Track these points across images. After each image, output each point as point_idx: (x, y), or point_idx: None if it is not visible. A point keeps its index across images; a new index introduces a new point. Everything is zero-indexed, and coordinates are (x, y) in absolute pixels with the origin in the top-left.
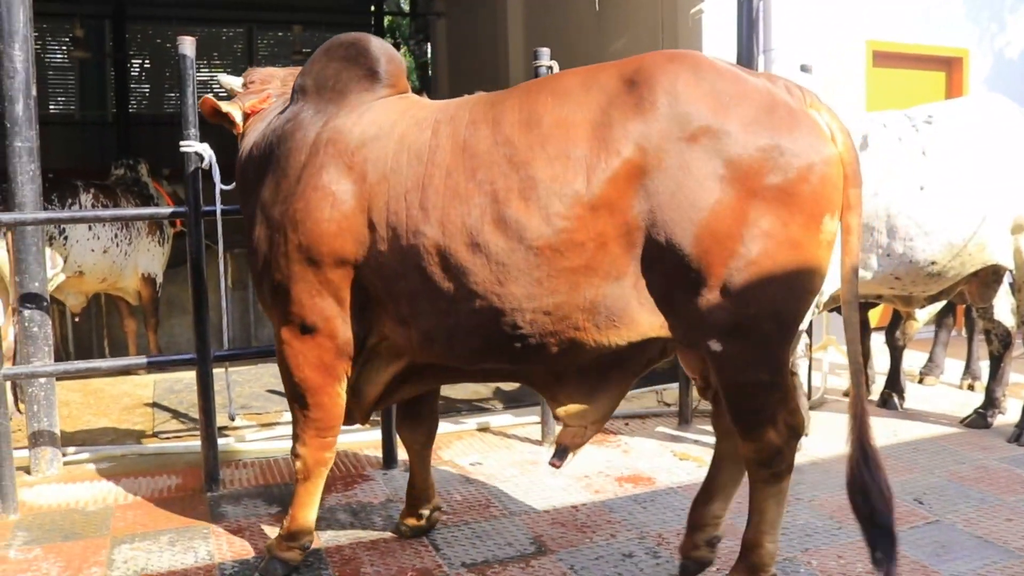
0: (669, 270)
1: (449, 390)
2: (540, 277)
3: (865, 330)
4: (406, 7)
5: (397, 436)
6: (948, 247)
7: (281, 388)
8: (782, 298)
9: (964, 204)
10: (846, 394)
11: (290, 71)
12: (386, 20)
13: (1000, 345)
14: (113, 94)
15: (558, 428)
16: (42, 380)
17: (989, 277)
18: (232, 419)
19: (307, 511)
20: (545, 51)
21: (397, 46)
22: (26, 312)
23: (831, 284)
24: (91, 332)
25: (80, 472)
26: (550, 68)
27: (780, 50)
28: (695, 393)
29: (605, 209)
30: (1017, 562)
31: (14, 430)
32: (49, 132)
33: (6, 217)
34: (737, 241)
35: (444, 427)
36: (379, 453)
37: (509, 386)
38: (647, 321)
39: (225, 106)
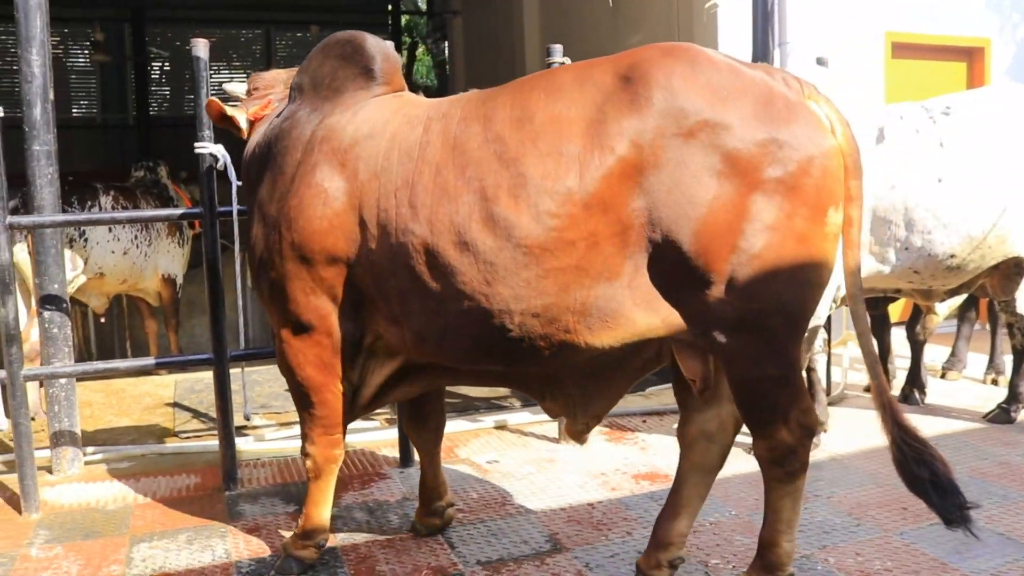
0: (670, 267)
1: (467, 388)
2: (529, 278)
3: (885, 325)
4: (423, 6)
5: None
6: (967, 240)
7: None
8: (789, 291)
9: (984, 196)
10: (867, 389)
11: (292, 73)
12: (403, 19)
13: None
14: (134, 97)
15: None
16: (62, 381)
17: (1011, 270)
18: (247, 419)
19: (321, 509)
20: (558, 48)
21: (415, 45)
22: (46, 313)
23: None
24: (113, 333)
25: (101, 472)
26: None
27: (796, 43)
28: None
29: (598, 207)
30: None
31: (38, 430)
32: (72, 135)
33: (25, 220)
34: (738, 236)
35: (462, 425)
36: (396, 452)
37: None
38: (642, 321)
39: (230, 110)
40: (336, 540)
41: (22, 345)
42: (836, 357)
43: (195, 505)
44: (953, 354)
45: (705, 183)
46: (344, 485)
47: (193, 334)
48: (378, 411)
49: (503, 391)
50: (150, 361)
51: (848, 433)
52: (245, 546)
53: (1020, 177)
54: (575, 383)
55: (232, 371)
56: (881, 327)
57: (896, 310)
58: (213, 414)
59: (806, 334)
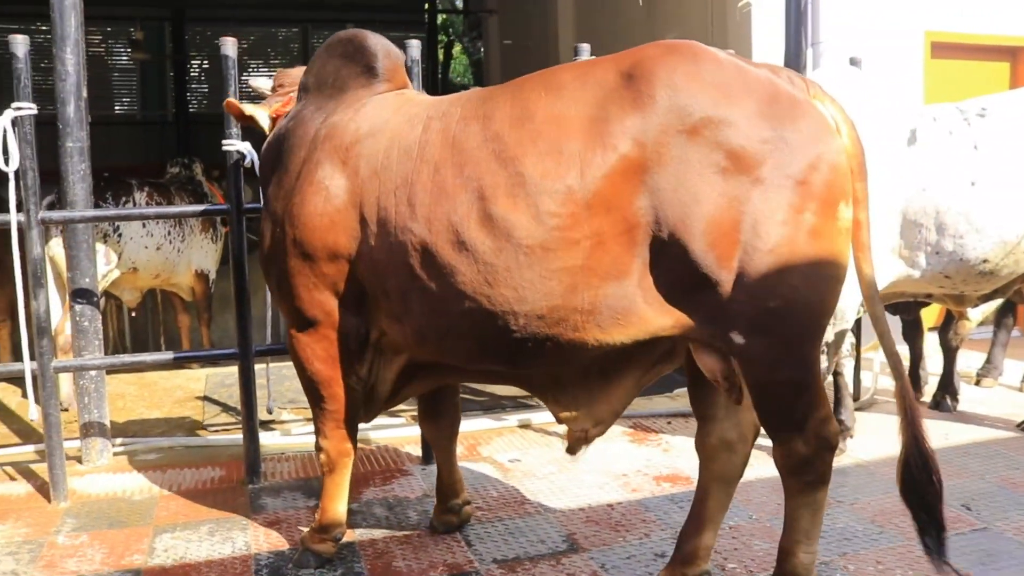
0: (679, 266)
1: (493, 386)
2: (532, 278)
3: (918, 330)
4: (459, 4)
5: None
6: (1001, 245)
7: None
8: (804, 287)
9: (1019, 199)
10: None
11: None
12: (440, 17)
13: None
14: (173, 95)
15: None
16: (92, 373)
17: None
18: (270, 412)
19: (336, 503)
20: (585, 47)
21: (451, 43)
22: (77, 307)
23: (877, 282)
24: (147, 327)
25: (129, 463)
26: None
27: (828, 43)
28: None
29: (601, 206)
30: None
31: (71, 421)
32: (113, 132)
33: (56, 215)
34: (747, 232)
35: (486, 423)
36: (419, 449)
37: None
38: (654, 319)
39: (249, 109)
40: (355, 535)
41: (53, 337)
42: (867, 362)
43: (218, 497)
44: (989, 361)
45: (710, 180)
46: (366, 481)
47: (226, 328)
48: (403, 408)
49: None
50: (178, 355)
51: (875, 439)
52: (265, 539)
53: None
54: (581, 384)
55: (261, 366)
56: (914, 332)
57: (931, 316)
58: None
59: (834, 338)
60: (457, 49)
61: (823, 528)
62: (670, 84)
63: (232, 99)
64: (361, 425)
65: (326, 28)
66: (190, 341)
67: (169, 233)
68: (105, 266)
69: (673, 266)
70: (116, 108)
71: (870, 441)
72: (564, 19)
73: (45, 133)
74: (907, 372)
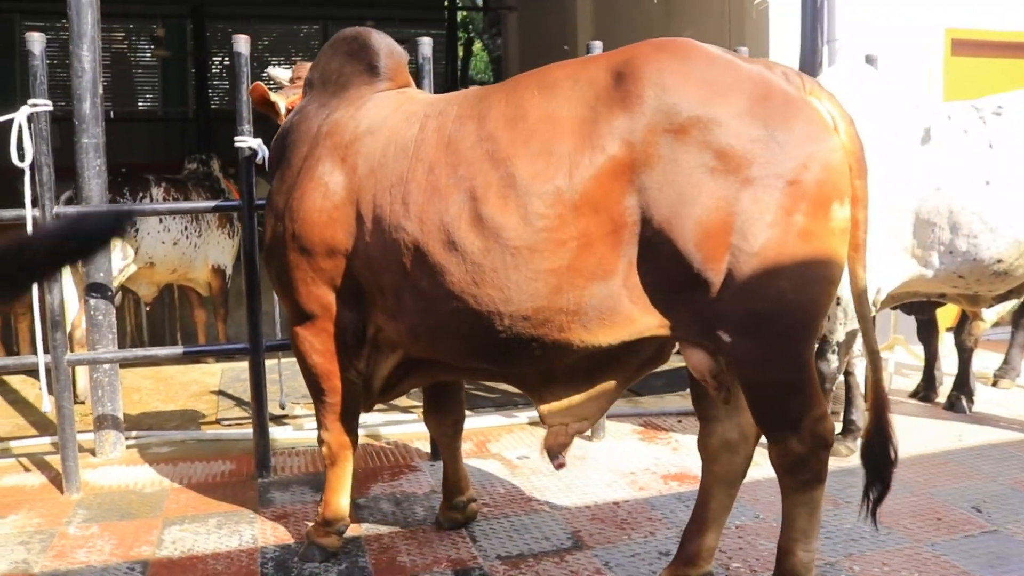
0: (666, 266)
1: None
2: (519, 280)
3: (933, 330)
4: (479, 1)
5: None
6: (1016, 244)
7: None
8: (795, 290)
9: None
10: (912, 395)
11: None
12: (460, 14)
13: None
14: (194, 91)
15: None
16: (106, 366)
17: None
18: (283, 407)
19: (339, 496)
20: (597, 44)
21: (471, 40)
22: (91, 301)
23: (888, 282)
24: (164, 322)
25: (141, 456)
26: None
27: (844, 40)
28: None
29: (589, 207)
30: None
31: (86, 414)
32: (135, 128)
33: (71, 210)
34: (735, 234)
35: (495, 420)
36: (428, 445)
37: None
38: (641, 319)
39: (274, 96)
40: (361, 530)
41: (70, 332)
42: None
43: (228, 491)
44: (1006, 362)
45: (698, 180)
46: (374, 476)
47: (242, 323)
48: (414, 404)
49: None
50: (190, 349)
51: None
52: (272, 532)
53: None
54: (568, 383)
55: (274, 362)
56: (929, 332)
57: (948, 316)
58: None
59: (845, 337)
60: (477, 46)
61: (830, 529)
62: (659, 83)
63: (260, 84)
64: (371, 420)
65: (346, 24)
66: (206, 336)
67: (186, 228)
68: (122, 261)
69: (660, 266)
70: (139, 104)
71: None
72: (583, 16)
73: (64, 129)
74: (923, 372)
